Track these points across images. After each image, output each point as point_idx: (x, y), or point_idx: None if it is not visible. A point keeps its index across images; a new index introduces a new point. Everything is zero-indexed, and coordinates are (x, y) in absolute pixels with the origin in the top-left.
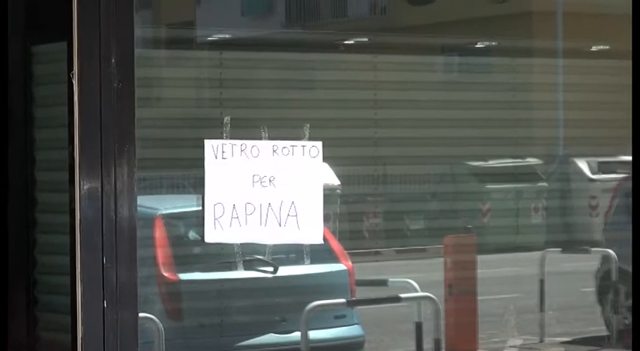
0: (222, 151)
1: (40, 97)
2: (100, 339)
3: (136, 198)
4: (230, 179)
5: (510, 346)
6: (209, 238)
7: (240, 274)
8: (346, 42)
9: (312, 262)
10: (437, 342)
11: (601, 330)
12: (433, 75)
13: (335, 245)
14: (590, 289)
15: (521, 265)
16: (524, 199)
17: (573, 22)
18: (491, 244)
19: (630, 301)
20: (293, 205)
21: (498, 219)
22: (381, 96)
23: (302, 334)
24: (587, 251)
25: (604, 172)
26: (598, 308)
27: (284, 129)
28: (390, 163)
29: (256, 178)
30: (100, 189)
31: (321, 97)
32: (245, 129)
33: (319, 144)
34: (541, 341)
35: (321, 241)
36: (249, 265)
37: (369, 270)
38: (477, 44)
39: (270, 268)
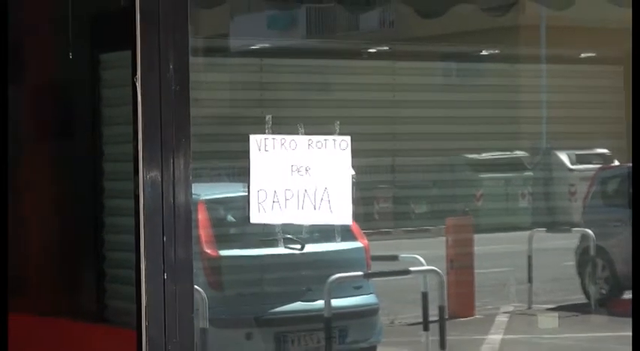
0: (265, 145)
1: (108, 98)
2: (161, 306)
3: (191, 185)
4: (271, 169)
5: (503, 312)
6: (254, 219)
7: (272, 250)
8: (370, 50)
9: (334, 241)
10: (441, 309)
11: (581, 298)
12: (442, 79)
13: (353, 226)
14: (571, 263)
15: (512, 243)
16: (513, 186)
17: (558, 33)
18: (486, 225)
19: (606, 273)
20: (326, 191)
21: (491, 203)
22: (399, 97)
23: (325, 302)
24: (568, 231)
25: (581, 163)
26: (578, 280)
27: (318, 125)
28: (399, 155)
29: (294, 168)
30: (160, 177)
31: (349, 97)
32: (284, 125)
33: (348, 138)
34: (529, 308)
35: (350, 223)
36: (279, 243)
37: (382, 247)
38: (481, 52)
39: (298, 246)
